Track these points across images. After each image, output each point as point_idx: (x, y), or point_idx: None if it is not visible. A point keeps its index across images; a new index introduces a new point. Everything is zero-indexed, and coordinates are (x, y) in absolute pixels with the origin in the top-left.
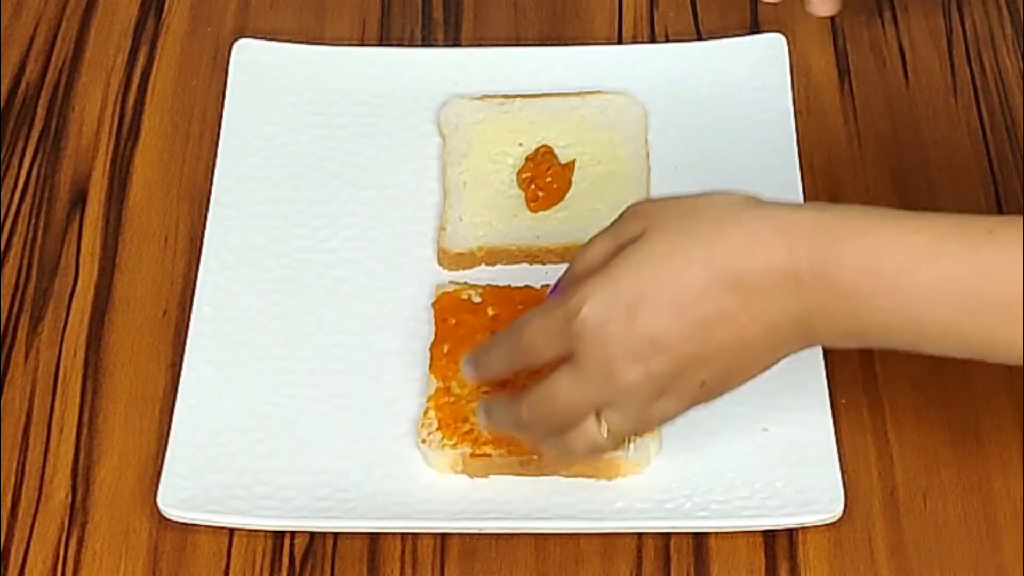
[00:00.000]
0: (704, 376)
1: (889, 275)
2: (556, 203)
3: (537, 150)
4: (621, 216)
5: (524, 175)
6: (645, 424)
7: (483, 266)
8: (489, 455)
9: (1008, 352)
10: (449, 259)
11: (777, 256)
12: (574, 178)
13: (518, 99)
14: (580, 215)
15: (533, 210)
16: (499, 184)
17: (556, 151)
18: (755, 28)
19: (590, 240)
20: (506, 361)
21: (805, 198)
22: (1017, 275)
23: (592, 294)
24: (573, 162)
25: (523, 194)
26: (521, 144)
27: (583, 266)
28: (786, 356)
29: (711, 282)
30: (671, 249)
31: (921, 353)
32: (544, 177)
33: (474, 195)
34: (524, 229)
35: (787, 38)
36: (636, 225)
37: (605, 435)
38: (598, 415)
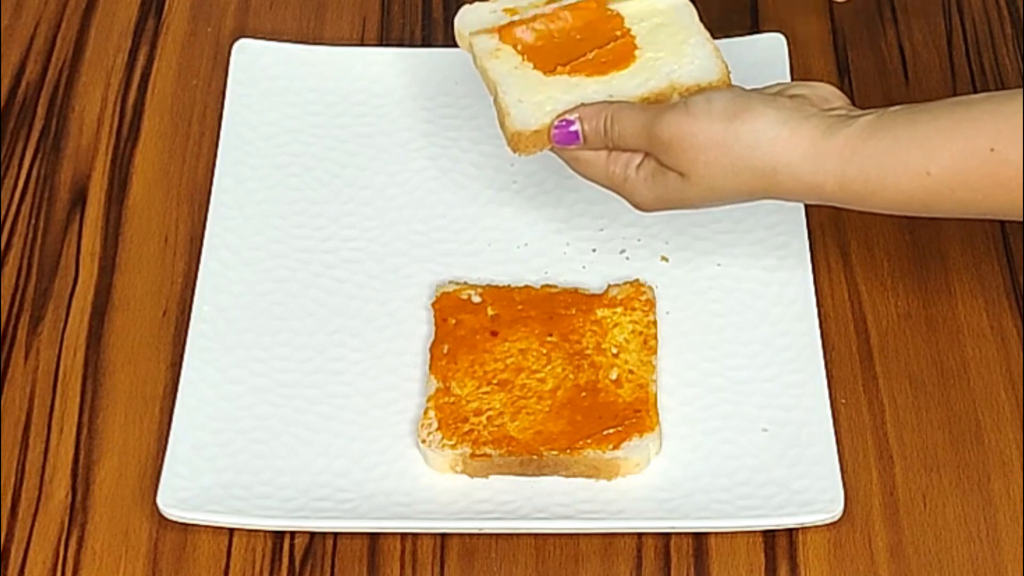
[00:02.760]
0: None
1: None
2: (629, 63)
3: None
4: (662, 140)
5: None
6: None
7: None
8: (489, 455)
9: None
10: (525, 140)
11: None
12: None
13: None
14: (643, 67)
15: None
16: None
17: None
18: (755, 28)
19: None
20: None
21: None
22: None
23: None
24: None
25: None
26: None
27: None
28: None
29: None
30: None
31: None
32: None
33: (525, 80)
34: (592, 95)
35: (787, 38)
36: (676, 161)
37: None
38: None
